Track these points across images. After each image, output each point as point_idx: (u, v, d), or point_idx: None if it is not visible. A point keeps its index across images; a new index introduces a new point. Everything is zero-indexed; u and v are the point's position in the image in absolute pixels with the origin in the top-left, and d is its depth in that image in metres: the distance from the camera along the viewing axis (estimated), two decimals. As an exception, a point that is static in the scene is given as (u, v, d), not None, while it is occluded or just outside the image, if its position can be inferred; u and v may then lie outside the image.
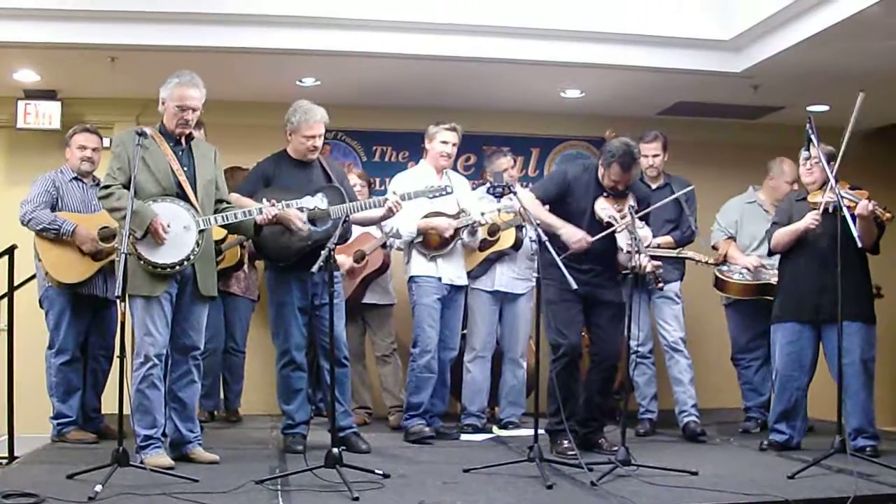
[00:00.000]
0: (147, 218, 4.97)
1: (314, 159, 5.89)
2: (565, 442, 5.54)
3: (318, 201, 5.46)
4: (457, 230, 6.47)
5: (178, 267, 5.09)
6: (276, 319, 5.83)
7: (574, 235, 5.67)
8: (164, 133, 5.26)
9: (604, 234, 5.68)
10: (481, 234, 6.66)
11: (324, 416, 6.73)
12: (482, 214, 6.48)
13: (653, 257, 6.29)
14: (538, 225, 5.37)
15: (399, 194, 5.81)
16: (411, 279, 6.53)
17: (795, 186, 6.72)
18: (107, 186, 5.12)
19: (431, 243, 6.46)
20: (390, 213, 5.80)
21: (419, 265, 6.50)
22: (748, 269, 6.73)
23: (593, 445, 5.81)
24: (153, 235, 5.00)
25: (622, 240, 5.66)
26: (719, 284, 6.91)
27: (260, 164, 5.94)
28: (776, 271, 6.35)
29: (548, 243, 5.25)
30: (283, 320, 5.78)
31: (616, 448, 5.52)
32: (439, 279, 6.47)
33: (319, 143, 5.83)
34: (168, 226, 5.04)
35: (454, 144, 6.56)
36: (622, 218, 5.66)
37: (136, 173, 4.94)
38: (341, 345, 5.83)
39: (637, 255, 5.35)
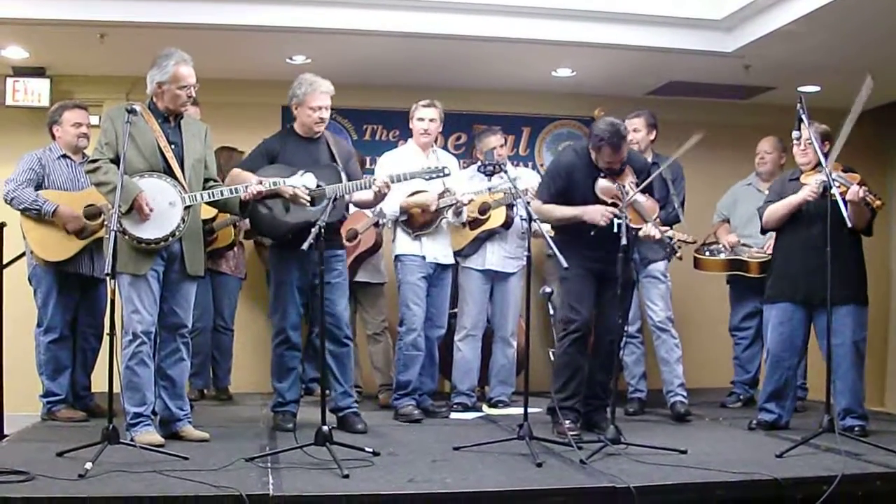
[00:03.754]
0: (132, 193, 4.95)
1: (321, 134, 5.86)
2: (567, 422, 5.51)
3: (307, 180, 5.42)
4: (440, 209, 6.47)
5: (162, 243, 5.08)
6: (275, 297, 5.84)
7: (596, 213, 5.58)
8: (154, 110, 5.23)
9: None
10: (466, 214, 6.64)
11: (313, 395, 6.76)
12: (464, 195, 6.47)
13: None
14: (559, 223, 5.54)
15: (395, 175, 5.76)
16: (396, 258, 6.56)
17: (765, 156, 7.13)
18: (94, 160, 5.11)
19: (415, 222, 6.46)
20: (380, 195, 5.77)
21: (404, 244, 6.52)
22: (724, 247, 6.94)
23: (594, 425, 5.79)
24: (137, 211, 4.98)
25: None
26: (697, 264, 7.13)
27: (266, 139, 5.90)
28: (756, 250, 6.72)
29: (537, 223, 5.24)
30: (281, 299, 5.78)
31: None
32: (423, 258, 6.49)
33: (326, 115, 5.81)
34: (153, 201, 5.03)
35: (432, 120, 6.55)
36: (624, 195, 5.65)
37: (124, 151, 4.92)
38: (343, 324, 5.83)
39: (646, 227, 5.44)
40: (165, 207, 5.08)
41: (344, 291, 5.90)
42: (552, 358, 6.76)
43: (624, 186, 5.58)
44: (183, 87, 5.19)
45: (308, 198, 5.45)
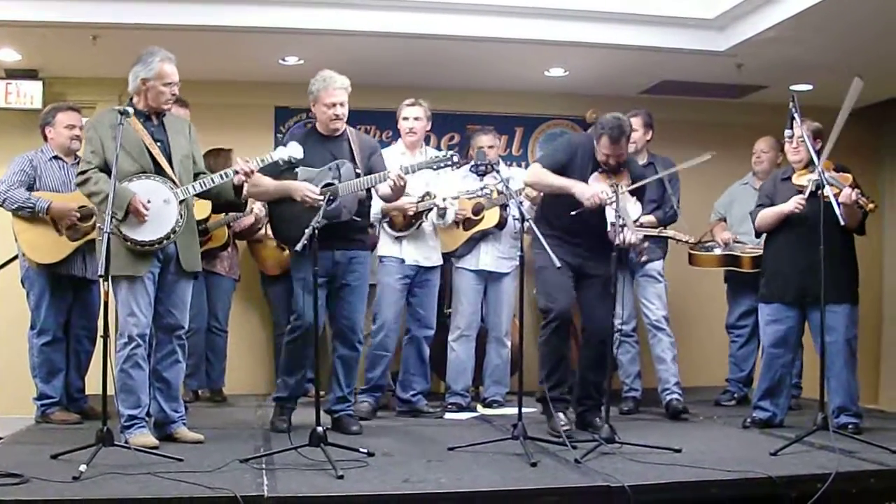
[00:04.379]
0: (126, 198, 4.93)
1: (340, 130, 5.75)
2: (560, 415, 5.50)
3: (292, 150, 5.35)
4: (420, 212, 6.45)
5: (164, 241, 5.07)
6: (294, 295, 5.70)
7: (586, 191, 5.57)
8: (136, 110, 5.18)
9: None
10: (452, 216, 6.63)
11: (308, 396, 6.75)
12: (444, 200, 6.45)
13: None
14: (548, 189, 5.55)
15: (403, 168, 5.64)
16: (379, 259, 6.56)
17: (762, 155, 7.19)
18: (83, 172, 5.07)
19: (396, 224, 6.45)
20: (396, 188, 5.64)
21: (385, 246, 6.55)
22: (719, 244, 6.98)
23: (588, 425, 5.77)
24: (134, 215, 4.97)
25: (610, 215, 5.56)
26: (691, 260, 7.13)
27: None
28: (751, 246, 6.73)
29: (531, 222, 5.23)
30: (300, 297, 5.61)
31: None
32: (402, 260, 6.49)
33: (342, 111, 5.69)
34: (148, 202, 5.01)
35: (417, 119, 6.54)
36: (613, 193, 5.66)
37: (116, 153, 4.85)
38: (357, 328, 5.79)
39: (621, 231, 5.34)
40: (161, 206, 5.06)
41: (362, 295, 5.83)
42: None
43: (618, 185, 5.57)
44: (167, 84, 5.17)
45: (318, 200, 5.32)
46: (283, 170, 5.55)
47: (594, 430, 5.53)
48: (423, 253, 6.58)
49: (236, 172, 5.25)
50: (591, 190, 5.56)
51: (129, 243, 5.00)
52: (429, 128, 6.75)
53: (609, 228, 5.55)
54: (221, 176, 5.27)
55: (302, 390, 5.91)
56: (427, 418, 6.48)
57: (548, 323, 5.68)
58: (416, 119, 6.55)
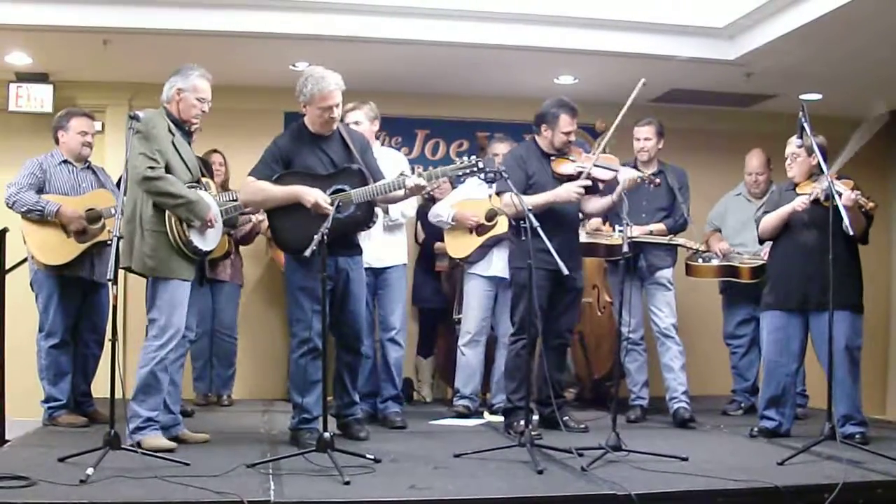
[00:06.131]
0: (206, 211, 5.14)
1: (334, 131, 5.58)
2: (522, 422, 5.38)
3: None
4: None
5: (211, 252, 5.37)
6: (294, 305, 5.50)
7: (566, 193, 5.85)
8: (175, 121, 5.26)
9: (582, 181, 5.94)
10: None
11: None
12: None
13: (644, 244, 6.40)
14: (531, 212, 5.40)
15: (426, 174, 5.47)
16: None
17: (758, 178, 7.19)
18: (152, 167, 5.01)
19: None
20: (416, 192, 5.53)
21: None
22: (717, 254, 6.98)
23: (557, 423, 5.76)
24: (207, 225, 5.18)
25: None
26: (689, 270, 7.13)
27: (277, 142, 5.57)
28: (748, 256, 6.81)
29: (539, 230, 5.20)
30: (303, 306, 5.44)
31: (584, 424, 5.60)
32: None
33: (337, 113, 5.47)
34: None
35: (357, 123, 6.29)
36: (586, 161, 5.97)
37: (167, 158, 5.07)
38: (361, 335, 5.72)
39: (623, 171, 5.86)
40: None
41: (363, 301, 5.78)
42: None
43: (576, 159, 5.96)
44: (200, 99, 5.27)
45: (331, 209, 5.13)
46: (274, 173, 5.45)
47: (567, 427, 5.75)
48: (374, 254, 6.30)
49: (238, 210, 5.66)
50: (568, 189, 5.88)
51: (188, 250, 5.13)
52: (377, 128, 6.55)
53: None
54: (233, 207, 5.71)
55: (320, 409, 5.50)
56: (431, 424, 6.49)
57: (520, 339, 5.85)
58: (356, 124, 6.29)
